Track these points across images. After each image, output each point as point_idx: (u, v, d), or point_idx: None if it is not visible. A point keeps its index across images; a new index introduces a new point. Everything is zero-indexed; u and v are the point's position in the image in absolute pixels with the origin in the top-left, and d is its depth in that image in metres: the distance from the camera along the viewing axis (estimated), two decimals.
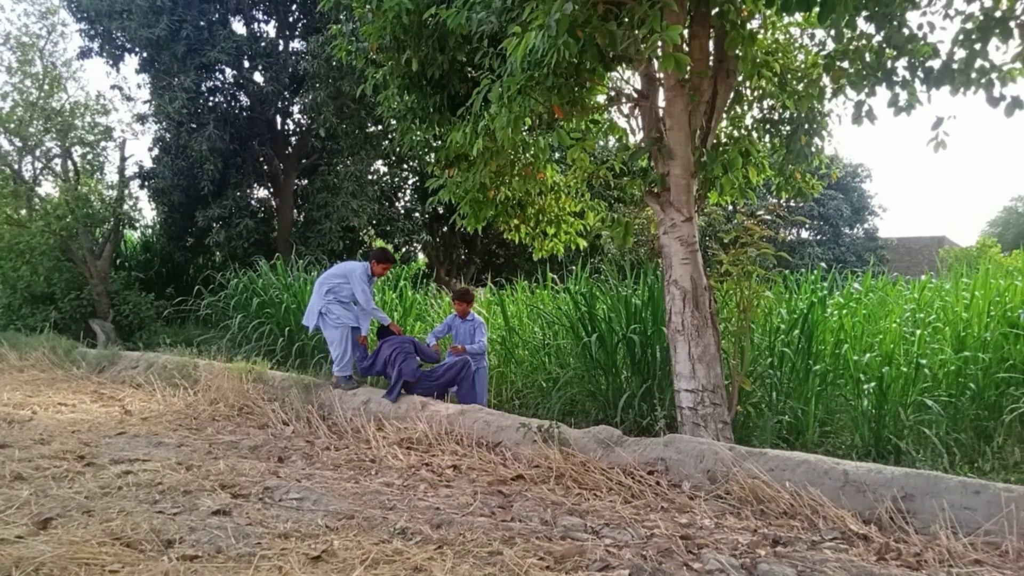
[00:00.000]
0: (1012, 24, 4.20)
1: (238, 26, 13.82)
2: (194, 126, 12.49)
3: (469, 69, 5.83)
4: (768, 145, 6.24)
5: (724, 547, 3.21)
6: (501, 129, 4.58)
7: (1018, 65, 4.37)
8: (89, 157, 12.56)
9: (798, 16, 5.40)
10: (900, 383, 5.47)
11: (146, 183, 13.71)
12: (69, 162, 12.39)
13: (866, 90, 4.95)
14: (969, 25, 4.37)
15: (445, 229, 17.13)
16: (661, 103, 5.30)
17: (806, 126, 5.81)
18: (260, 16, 14.22)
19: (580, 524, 3.51)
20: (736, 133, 6.15)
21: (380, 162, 16.58)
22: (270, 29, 14.35)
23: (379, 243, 15.91)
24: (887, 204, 68.06)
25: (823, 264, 8.15)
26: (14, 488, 3.81)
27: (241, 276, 10.17)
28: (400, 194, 17.85)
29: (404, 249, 16.60)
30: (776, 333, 6.04)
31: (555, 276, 8.74)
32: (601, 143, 12.36)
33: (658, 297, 6.06)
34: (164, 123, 13.10)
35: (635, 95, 5.53)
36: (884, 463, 4.48)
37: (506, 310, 8.06)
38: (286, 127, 14.88)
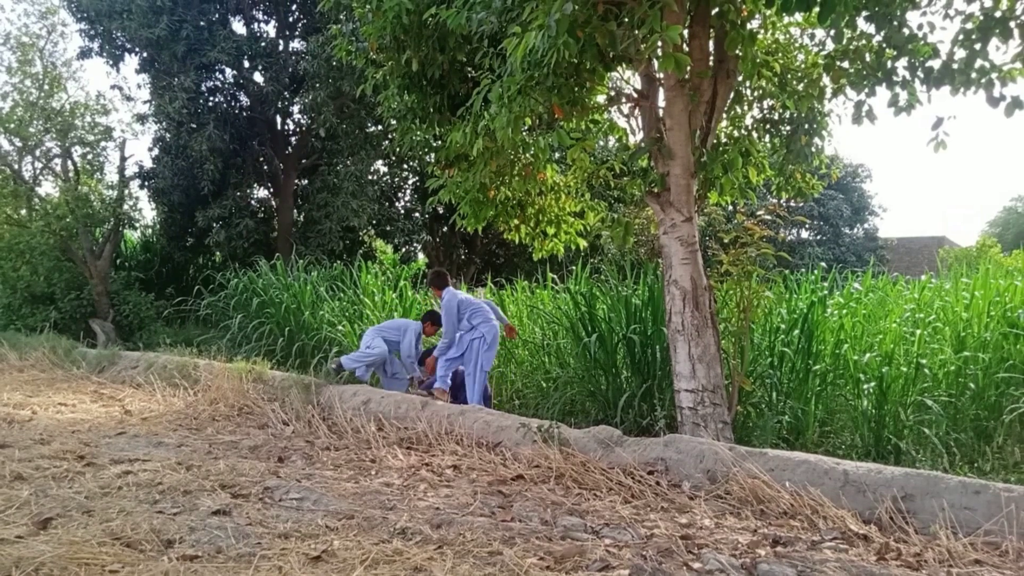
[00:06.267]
0: (1012, 24, 4.20)
1: (238, 26, 13.82)
2: (194, 126, 12.49)
3: (469, 69, 5.82)
4: (768, 145, 6.23)
5: (724, 547, 3.20)
6: (501, 129, 4.57)
7: (1018, 65, 4.37)
8: (89, 157, 12.58)
9: (798, 16, 5.39)
10: (900, 383, 5.47)
11: (146, 183, 13.72)
12: (69, 162, 12.39)
13: (866, 90, 4.95)
14: (969, 25, 4.38)
15: (445, 229, 17.13)
16: (661, 103, 5.30)
17: (806, 126, 5.81)
18: (260, 16, 14.23)
19: (580, 524, 3.51)
20: (736, 133, 6.14)
21: (380, 162, 16.57)
22: (270, 29, 14.37)
23: (379, 243, 15.91)
24: (887, 204, 68.21)
25: (823, 264, 8.14)
26: (14, 488, 3.81)
27: (241, 276, 10.17)
28: (400, 194, 17.85)
29: (404, 249, 16.60)
30: (776, 333, 6.04)
31: (555, 276, 8.74)
32: (601, 143, 12.37)
33: (658, 297, 6.06)
34: (164, 123, 13.11)
35: (635, 95, 5.53)
36: (884, 463, 4.48)
37: (506, 310, 8.06)
38: (286, 127, 14.88)
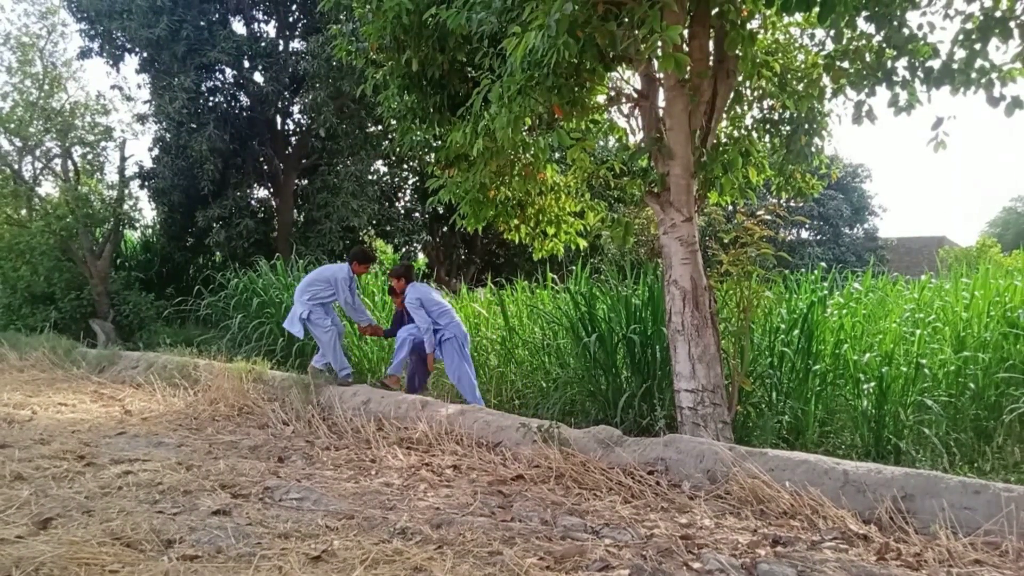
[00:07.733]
0: (1012, 24, 4.19)
1: (238, 26, 13.83)
2: (194, 126, 12.48)
3: (469, 69, 5.82)
4: (768, 145, 6.23)
5: (724, 547, 3.20)
6: (501, 129, 4.57)
7: (1018, 65, 4.36)
8: (89, 157, 12.57)
9: (798, 16, 5.39)
10: (900, 383, 5.47)
11: (146, 183, 13.71)
12: (69, 162, 12.39)
13: (866, 90, 4.94)
14: (969, 25, 4.37)
15: (445, 229, 17.13)
16: (661, 103, 5.30)
17: (806, 126, 5.80)
18: (260, 16, 14.22)
19: (580, 524, 3.51)
20: (736, 133, 6.14)
21: (380, 162, 16.58)
22: (270, 29, 14.37)
23: (379, 243, 15.91)
24: (887, 204, 68.14)
25: (823, 264, 8.14)
26: (14, 488, 3.81)
27: (241, 276, 10.17)
28: (400, 194, 17.85)
29: (404, 249, 16.59)
30: (776, 333, 6.03)
31: (555, 276, 8.73)
32: (601, 143, 12.36)
33: (658, 297, 6.05)
34: (164, 123, 13.10)
35: (635, 95, 5.53)
36: (884, 463, 4.48)
37: (506, 310, 8.06)
38: (286, 127, 14.88)
